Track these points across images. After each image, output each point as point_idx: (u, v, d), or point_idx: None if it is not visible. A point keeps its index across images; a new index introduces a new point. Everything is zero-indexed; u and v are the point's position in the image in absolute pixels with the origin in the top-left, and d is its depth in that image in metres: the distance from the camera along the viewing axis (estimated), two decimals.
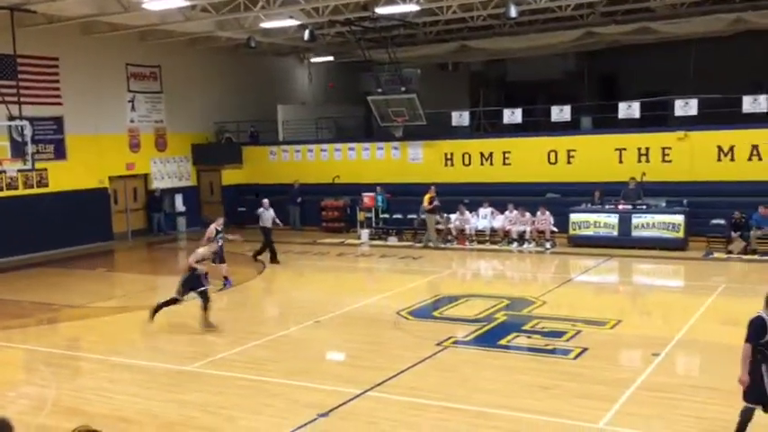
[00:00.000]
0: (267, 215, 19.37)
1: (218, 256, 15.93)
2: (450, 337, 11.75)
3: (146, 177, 26.27)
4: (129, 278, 19.48)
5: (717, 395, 8.87)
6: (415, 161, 25.31)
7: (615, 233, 19.95)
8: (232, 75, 28.25)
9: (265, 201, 19.87)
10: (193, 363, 10.84)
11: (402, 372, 10.09)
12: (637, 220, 19.70)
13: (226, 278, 16.35)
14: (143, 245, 24.63)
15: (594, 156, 22.43)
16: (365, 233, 23.04)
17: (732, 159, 20.76)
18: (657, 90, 25.10)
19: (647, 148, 21.75)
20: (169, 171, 27.03)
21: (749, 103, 20.53)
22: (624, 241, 19.60)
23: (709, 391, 9.09)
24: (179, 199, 26.85)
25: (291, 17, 21.78)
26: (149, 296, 16.59)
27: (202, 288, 12.81)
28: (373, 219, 23.56)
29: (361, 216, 23.68)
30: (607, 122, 23.95)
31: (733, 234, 18.49)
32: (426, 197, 21.31)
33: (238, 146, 28.44)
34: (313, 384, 9.73)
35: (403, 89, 24.80)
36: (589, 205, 20.82)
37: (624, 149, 22.05)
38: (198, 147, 27.83)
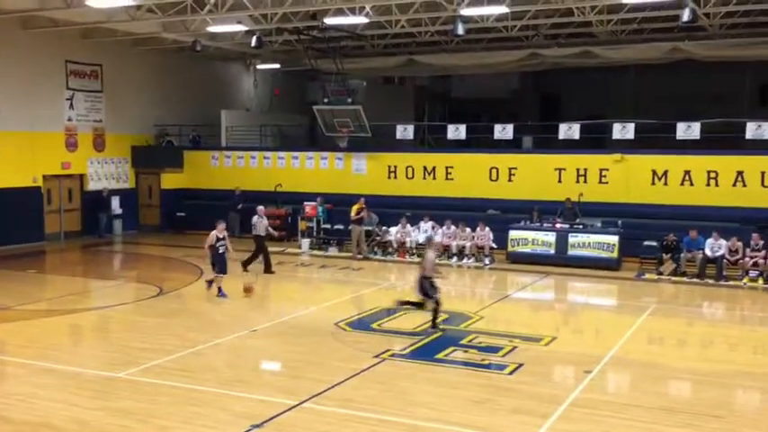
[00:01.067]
0: (262, 224, 18.84)
1: (219, 266, 15.52)
2: (387, 350, 11.76)
3: (81, 178, 25.61)
4: (60, 281, 18.93)
5: (644, 413, 9.10)
6: (359, 172, 25.35)
7: (552, 251, 20.33)
8: (176, 77, 27.84)
9: (260, 208, 19.34)
10: (125, 369, 10.58)
11: (338, 384, 10.05)
12: (573, 239, 20.13)
13: (220, 290, 15.70)
14: (76, 247, 23.98)
15: (535, 174, 22.85)
16: (306, 243, 22.94)
17: (666, 184, 21.41)
18: (597, 113, 25.81)
19: (586, 169, 22.27)
20: (107, 172, 26.43)
21: (683, 130, 21.24)
22: (560, 259, 19.99)
23: (637, 409, 9.30)
24: (116, 201, 26.27)
25: (239, 22, 21.64)
26: (80, 300, 16.20)
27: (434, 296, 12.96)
28: (315, 228, 23.47)
29: (302, 225, 23.56)
30: (548, 142, 24.44)
31: (664, 256, 19.03)
32: (354, 208, 21.35)
33: (179, 150, 28.01)
34: (247, 394, 9.61)
35: (349, 100, 24.85)
36: (528, 223, 21.17)
37: (563, 169, 22.52)
38: (138, 149, 27.31)
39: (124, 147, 26.93)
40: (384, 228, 22.10)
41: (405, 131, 25.20)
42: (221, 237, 15.60)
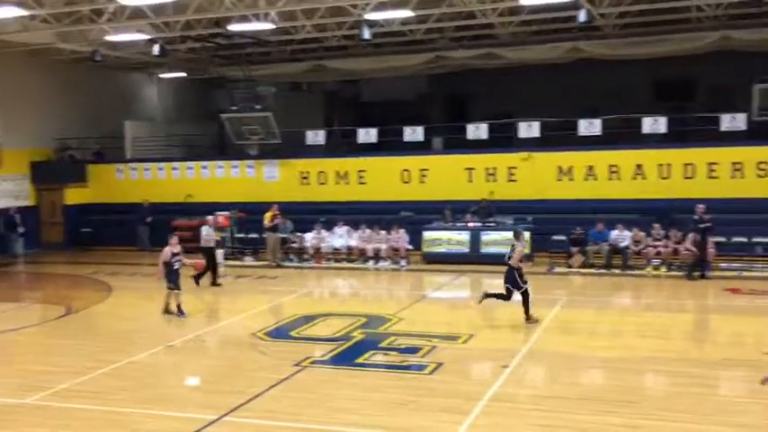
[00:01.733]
0: (212, 234, 18.31)
1: (174, 282, 14.79)
2: (307, 357, 11.67)
3: None
4: None
5: (562, 403, 9.35)
6: (271, 180, 25.10)
7: (466, 250, 20.65)
8: (76, 89, 26.84)
9: (210, 218, 18.77)
10: (32, 395, 10.10)
11: (259, 394, 9.90)
12: (486, 237, 20.50)
13: (179, 308, 14.94)
14: None
15: (445, 175, 23.18)
16: (220, 253, 22.43)
17: (571, 179, 22.12)
18: (504, 112, 26.38)
19: (495, 168, 22.77)
20: (5, 190, 25.24)
21: (585, 127, 21.97)
22: (475, 257, 20.32)
23: (554, 399, 9.54)
24: (17, 219, 25.09)
25: (140, 31, 21.06)
26: None
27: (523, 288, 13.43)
28: (228, 238, 23.04)
29: (216, 236, 23.05)
30: (457, 143, 24.83)
31: (573, 249, 19.63)
32: (267, 215, 21.14)
33: (83, 164, 27.04)
34: (165, 412, 9.34)
35: (258, 107, 24.56)
36: (441, 223, 21.44)
37: (473, 169, 22.96)
38: (38, 164, 26.20)
39: (22, 163, 25.79)
40: (299, 234, 21.94)
41: (315, 137, 25.12)
42: (176, 252, 14.92)
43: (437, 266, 20.30)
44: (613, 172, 21.76)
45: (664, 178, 21.29)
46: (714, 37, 22.56)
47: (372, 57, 26.44)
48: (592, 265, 19.34)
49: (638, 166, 21.52)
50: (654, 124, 21.40)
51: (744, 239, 19.26)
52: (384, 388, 10.19)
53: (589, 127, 21.96)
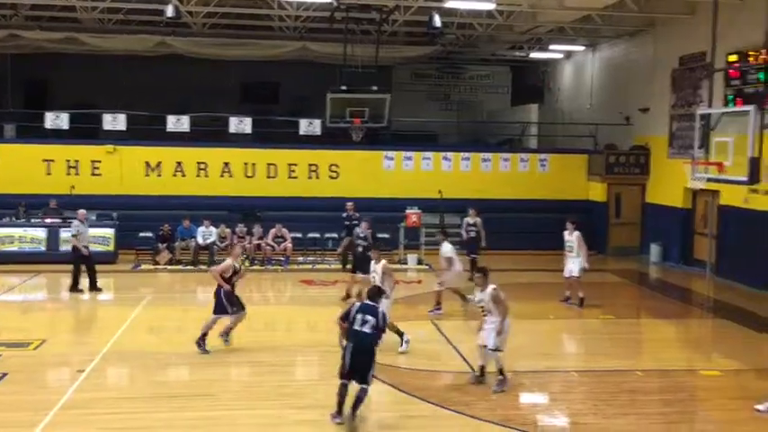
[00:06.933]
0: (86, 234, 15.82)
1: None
2: None
3: None
4: None
5: (140, 404, 9.12)
6: None
7: (43, 248, 19.05)
8: None
9: (82, 211, 15.94)
10: None
11: None
12: (65, 234, 19.07)
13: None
14: None
15: (20, 166, 21.13)
16: None
17: (159, 175, 21.82)
18: (88, 102, 24.99)
19: (77, 161, 21.42)
20: None
21: (173, 123, 21.82)
22: (53, 256, 18.78)
23: (132, 400, 9.28)
24: None
25: None
26: None
27: None
28: None
29: None
30: (34, 132, 22.75)
31: (160, 246, 19.37)
32: None
33: None
34: None
35: None
36: (14, 219, 19.47)
37: (52, 161, 21.31)
38: None
39: None
40: None
41: None
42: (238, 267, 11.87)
43: (8, 267, 18.24)
44: (201, 169, 22.03)
45: (249, 177, 22.19)
46: (295, 46, 24.28)
47: None
48: (179, 262, 19.31)
49: (226, 165, 22.10)
50: (240, 124, 22.16)
51: (318, 235, 20.99)
52: None
53: (177, 123, 21.86)
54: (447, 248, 14.21)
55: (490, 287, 9.92)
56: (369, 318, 8.64)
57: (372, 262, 12.26)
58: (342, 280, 17.46)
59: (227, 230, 19.71)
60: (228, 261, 11.87)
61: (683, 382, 10.71)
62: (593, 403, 9.78)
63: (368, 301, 8.99)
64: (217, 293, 11.56)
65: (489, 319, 9.90)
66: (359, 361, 8.49)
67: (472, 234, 17.40)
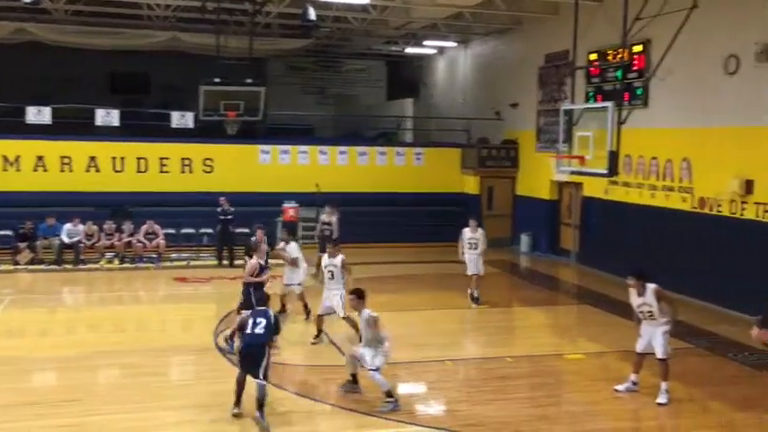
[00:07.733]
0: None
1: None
2: None
3: None
4: None
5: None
6: None
7: None
8: None
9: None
10: None
11: None
12: None
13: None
14: None
15: None
16: None
17: (18, 170, 20.57)
18: None
19: None
20: None
21: (33, 115, 20.62)
22: None
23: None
24: None
25: None
26: None
27: None
28: None
29: None
30: None
31: (21, 245, 18.28)
32: None
33: None
34: None
35: None
36: None
37: None
38: None
39: None
40: None
41: None
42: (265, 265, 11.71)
43: None
44: (65, 164, 20.93)
45: (118, 171, 21.29)
46: (165, 36, 23.50)
47: None
48: (41, 261, 18.29)
49: (92, 159, 21.10)
50: (107, 116, 21.19)
51: (192, 230, 20.46)
52: None
53: (38, 115, 20.66)
54: (293, 248, 13.53)
55: (366, 312, 9.36)
56: (261, 320, 8.74)
57: (326, 256, 12.07)
58: (217, 276, 17.17)
59: (95, 228, 18.87)
60: (254, 260, 11.66)
61: (551, 367, 11.21)
62: (467, 391, 10.09)
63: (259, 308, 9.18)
64: (245, 292, 11.44)
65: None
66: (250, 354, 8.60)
67: (326, 233, 16.57)
